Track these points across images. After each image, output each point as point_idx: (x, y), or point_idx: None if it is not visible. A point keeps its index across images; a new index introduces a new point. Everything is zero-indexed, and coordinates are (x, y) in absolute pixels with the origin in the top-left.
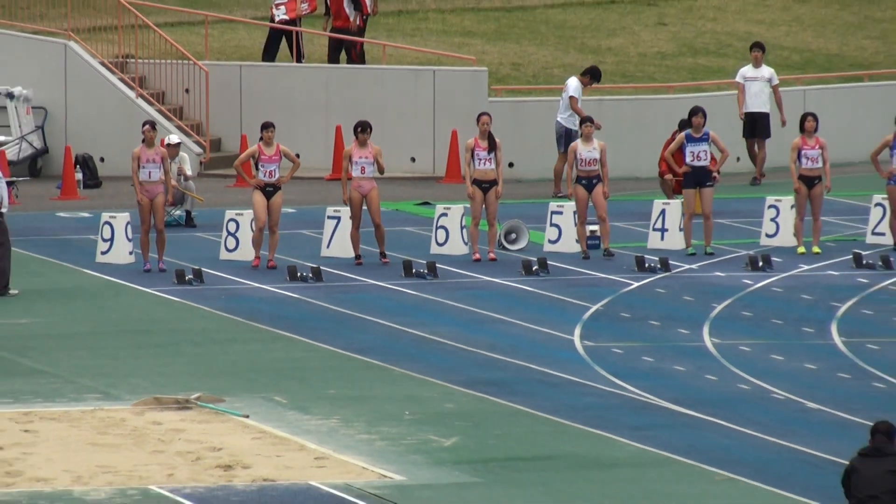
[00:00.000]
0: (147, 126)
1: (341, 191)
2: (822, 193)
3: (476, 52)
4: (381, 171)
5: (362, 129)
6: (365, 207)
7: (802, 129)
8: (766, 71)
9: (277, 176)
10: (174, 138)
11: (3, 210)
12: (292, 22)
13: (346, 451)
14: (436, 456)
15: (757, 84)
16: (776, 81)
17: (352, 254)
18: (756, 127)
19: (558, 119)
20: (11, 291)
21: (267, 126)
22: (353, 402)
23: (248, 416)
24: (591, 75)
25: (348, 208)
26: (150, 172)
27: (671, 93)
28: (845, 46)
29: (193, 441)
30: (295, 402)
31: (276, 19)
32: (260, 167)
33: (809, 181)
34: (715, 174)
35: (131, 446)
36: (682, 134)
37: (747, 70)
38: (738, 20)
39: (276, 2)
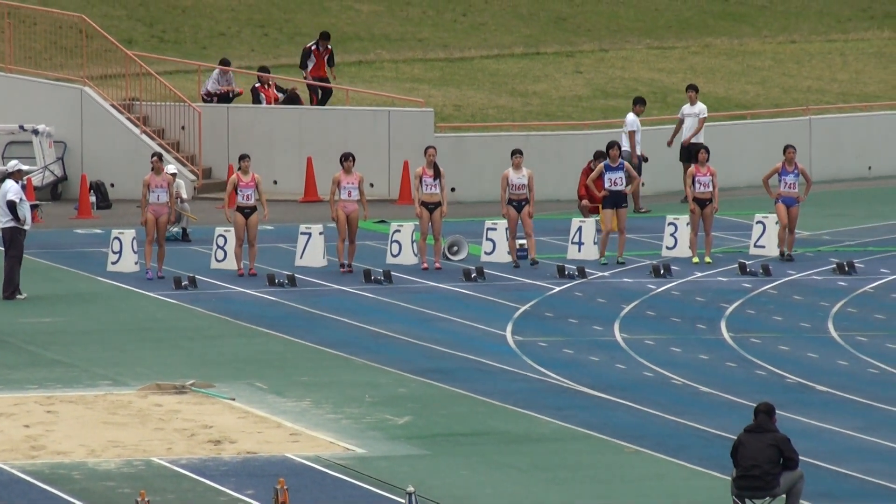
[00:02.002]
0: (155, 157)
1: (316, 211)
2: (712, 213)
3: (424, 96)
4: (362, 194)
5: (346, 158)
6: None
7: (696, 159)
8: (699, 107)
9: (254, 199)
10: (171, 168)
11: (26, 227)
12: (224, 95)
13: (317, 428)
14: (391, 432)
15: (692, 119)
16: (704, 115)
17: (321, 263)
18: (692, 155)
19: (625, 149)
20: (19, 296)
21: (243, 157)
22: (322, 387)
23: (234, 399)
24: (640, 103)
25: (321, 226)
26: (158, 195)
27: (586, 129)
28: (731, 90)
29: (189, 420)
30: (273, 388)
31: (208, 88)
32: (239, 192)
33: (702, 202)
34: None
35: (137, 424)
36: (602, 164)
37: (686, 107)
38: (642, 68)
39: (214, 78)
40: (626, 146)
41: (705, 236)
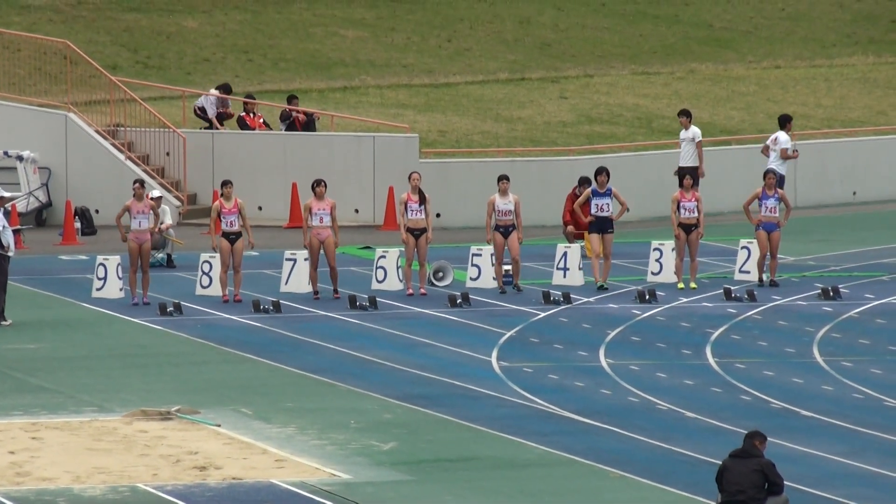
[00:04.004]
0: (137, 184)
1: (301, 236)
2: (697, 238)
3: (409, 121)
4: (334, 221)
5: (318, 184)
6: (322, 252)
7: (681, 184)
8: (691, 132)
9: (238, 225)
10: (155, 193)
11: (10, 254)
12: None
13: (302, 454)
14: (377, 458)
15: (687, 144)
16: (699, 139)
17: (306, 289)
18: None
19: (778, 171)
20: (4, 323)
21: (225, 183)
22: (307, 413)
23: (219, 425)
24: (789, 121)
25: (307, 251)
26: (140, 222)
27: (571, 155)
28: (716, 116)
29: (174, 446)
30: (259, 414)
31: (199, 104)
32: (223, 218)
33: (687, 228)
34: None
35: (122, 451)
36: (589, 189)
37: (682, 132)
38: (627, 94)
39: (211, 101)
40: (775, 163)
41: (690, 262)
